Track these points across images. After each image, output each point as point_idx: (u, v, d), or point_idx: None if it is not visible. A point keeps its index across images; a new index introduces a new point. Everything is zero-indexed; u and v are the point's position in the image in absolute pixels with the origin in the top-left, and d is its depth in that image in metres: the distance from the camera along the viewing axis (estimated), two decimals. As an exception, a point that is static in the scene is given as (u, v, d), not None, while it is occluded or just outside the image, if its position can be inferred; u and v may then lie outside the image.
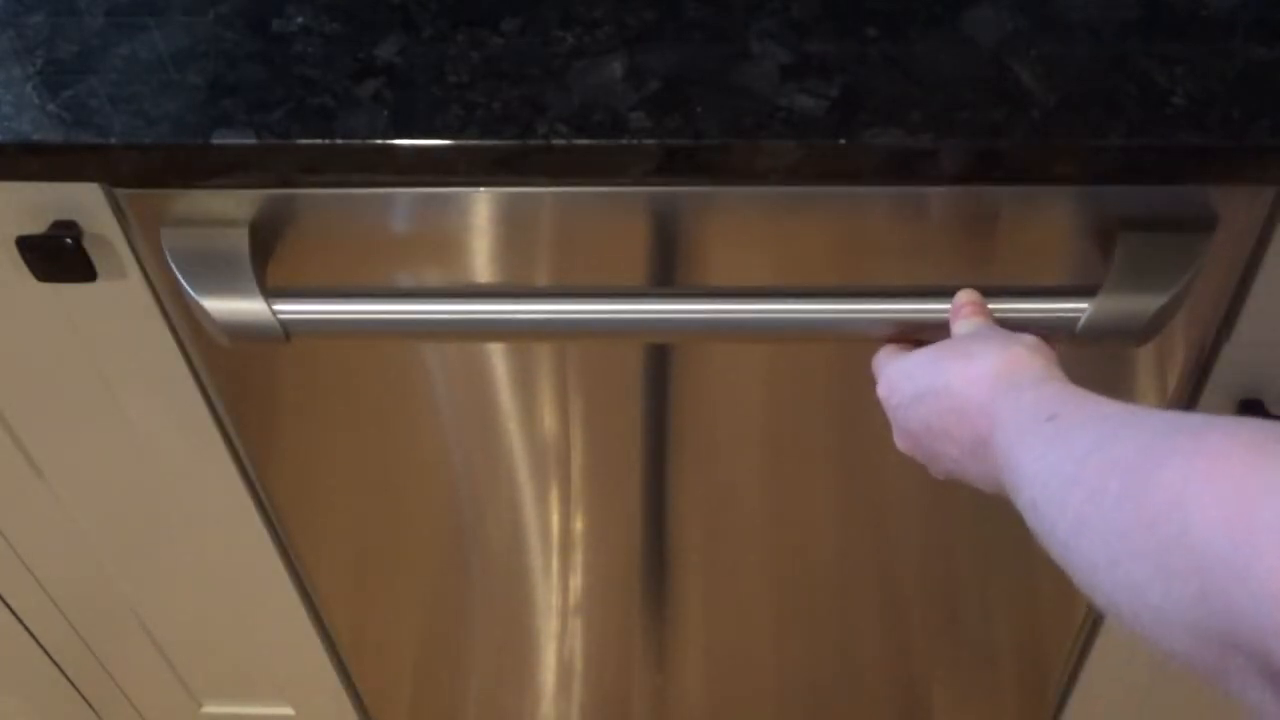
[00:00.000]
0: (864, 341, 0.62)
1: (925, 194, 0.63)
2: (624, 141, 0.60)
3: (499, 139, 0.60)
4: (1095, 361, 0.70)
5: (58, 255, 0.67)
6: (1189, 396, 0.72)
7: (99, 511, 0.88)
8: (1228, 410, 0.71)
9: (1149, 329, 0.61)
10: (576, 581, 0.89)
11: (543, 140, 0.60)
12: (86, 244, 0.67)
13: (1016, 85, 0.60)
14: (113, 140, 0.62)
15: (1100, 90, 0.60)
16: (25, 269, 0.68)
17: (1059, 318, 0.61)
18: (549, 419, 0.76)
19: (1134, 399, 0.72)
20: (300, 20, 0.66)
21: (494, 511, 0.84)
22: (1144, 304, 0.60)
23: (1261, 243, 0.63)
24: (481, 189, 0.64)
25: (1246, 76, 0.60)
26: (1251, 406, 0.68)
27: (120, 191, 0.65)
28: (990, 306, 0.61)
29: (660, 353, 0.71)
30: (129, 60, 0.65)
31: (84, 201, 0.66)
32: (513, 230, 0.66)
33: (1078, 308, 0.61)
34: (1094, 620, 0.90)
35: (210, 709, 1.08)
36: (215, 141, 0.61)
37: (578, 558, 0.87)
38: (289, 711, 1.07)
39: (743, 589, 0.89)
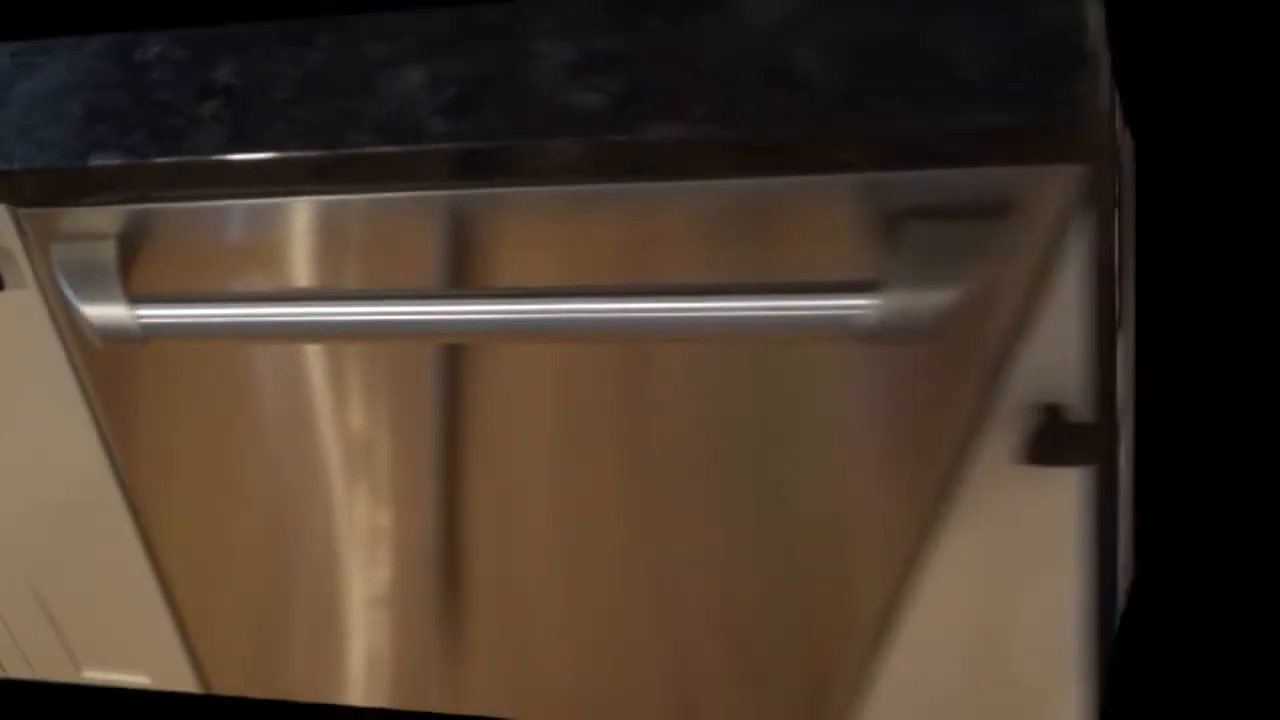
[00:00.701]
0: (648, 341, 0.61)
1: (711, 188, 0.60)
2: (419, 147, 0.62)
3: (313, 150, 0.63)
4: (885, 362, 0.63)
5: (-29, 270, 0.76)
6: (985, 399, 0.64)
7: (4, 500, 0.96)
8: (1025, 414, 0.62)
9: (939, 325, 0.56)
10: (380, 574, 0.89)
11: (352, 150, 0.63)
12: (-3, 260, 0.76)
13: (799, 71, 0.57)
14: (16, 165, 0.70)
15: (884, 70, 0.56)
16: (-55, 282, 0.77)
17: (845, 314, 0.57)
18: (357, 417, 0.78)
19: (926, 401, 0.64)
20: (156, 49, 0.71)
21: (310, 506, 0.86)
22: (933, 298, 0.55)
23: (1062, 231, 0.56)
24: (305, 198, 0.67)
25: (1040, 47, 0.54)
26: (1051, 411, 0.60)
27: (22, 211, 0.73)
28: (774, 304, 0.58)
29: (454, 353, 0.72)
30: (29, 94, 0.72)
31: (-4, 221, 0.74)
32: (332, 238, 0.68)
33: (864, 304, 0.57)
34: (880, 641, 0.81)
35: (89, 674, 1.16)
36: (91, 164, 0.68)
37: (381, 552, 0.87)
38: (146, 680, 1.13)
39: (531, 587, 0.86)
